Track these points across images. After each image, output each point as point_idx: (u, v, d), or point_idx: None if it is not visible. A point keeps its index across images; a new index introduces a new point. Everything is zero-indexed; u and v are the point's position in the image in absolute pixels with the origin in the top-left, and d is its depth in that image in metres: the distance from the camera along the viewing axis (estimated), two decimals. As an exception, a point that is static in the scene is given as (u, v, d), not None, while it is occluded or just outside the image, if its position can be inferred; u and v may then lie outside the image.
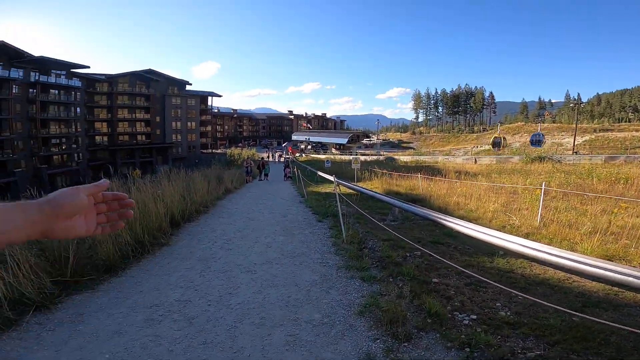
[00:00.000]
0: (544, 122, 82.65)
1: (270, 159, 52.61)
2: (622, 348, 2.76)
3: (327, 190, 15.60)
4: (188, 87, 70.20)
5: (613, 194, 11.41)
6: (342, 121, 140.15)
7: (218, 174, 16.51)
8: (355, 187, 12.12)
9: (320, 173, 21.52)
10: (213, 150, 73.81)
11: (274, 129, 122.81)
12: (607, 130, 64.02)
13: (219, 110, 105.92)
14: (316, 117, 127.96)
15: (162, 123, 64.77)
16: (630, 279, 3.60)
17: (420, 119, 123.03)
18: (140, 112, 61.73)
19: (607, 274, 3.92)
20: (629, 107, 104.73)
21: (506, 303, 3.64)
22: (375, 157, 48.92)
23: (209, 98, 77.33)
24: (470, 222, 6.67)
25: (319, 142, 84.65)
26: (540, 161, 32.28)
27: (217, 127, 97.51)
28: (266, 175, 22.73)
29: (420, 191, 14.42)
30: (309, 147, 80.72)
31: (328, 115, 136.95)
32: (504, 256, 5.26)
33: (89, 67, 52.53)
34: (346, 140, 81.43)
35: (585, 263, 4.11)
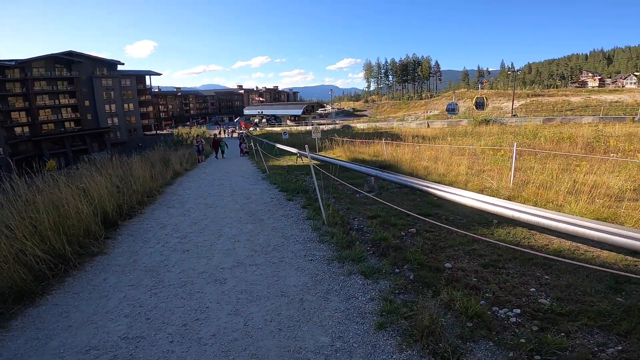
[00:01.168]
0: (483, 89, 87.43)
1: (224, 135, 49.65)
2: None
3: (289, 163, 14.60)
4: (121, 67, 63.80)
5: (563, 151, 11.87)
6: (295, 93, 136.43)
7: (163, 156, 14.61)
8: (322, 157, 11.22)
9: (278, 145, 20.37)
10: (158, 132, 68.20)
11: (224, 105, 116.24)
12: (539, 95, 69.09)
13: (160, 89, 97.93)
14: (268, 90, 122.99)
15: (92, 107, 58.26)
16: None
17: (372, 88, 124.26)
18: (64, 97, 55.13)
19: (617, 239, 3.55)
20: (557, 74, 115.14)
21: (538, 286, 3.11)
22: (332, 126, 48.23)
23: (147, 77, 71.05)
24: (450, 187, 6.20)
25: (272, 115, 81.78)
26: (487, 123, 33.95)
27: (161, 107, 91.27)
28: (223, 152, 21.05)
29: (385, 157, 13.98)
30: (263, 120, 77.67)
31: (280, 88, 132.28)
32: (500, 225, 4.81)
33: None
34: (301, 111, 79.53)
35: (591, 228, 3.69)
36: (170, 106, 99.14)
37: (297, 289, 3.29)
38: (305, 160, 14.49)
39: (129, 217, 6.27)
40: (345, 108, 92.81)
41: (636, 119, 27.81)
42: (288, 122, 74.80)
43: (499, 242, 3.54)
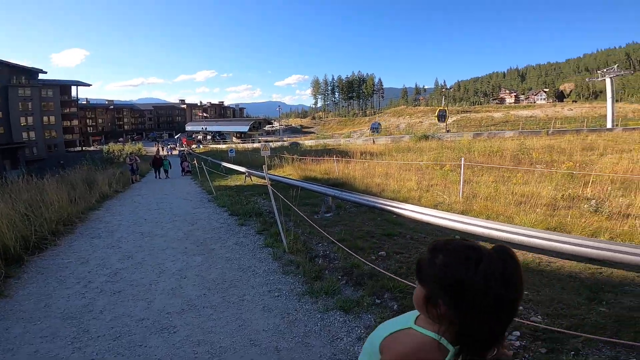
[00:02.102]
0: (419, 106, 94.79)
1: (163, 152, 46.29)
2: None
3: (238, 183, 13.75)
4: (43, 76, 57.43)
5: (496, 164, 12.88)
6: (241, 109, 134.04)
7: (87, 175, 12.78)
8: (277, 177, 10.65)
9: (225, 164, 19.27)
10: (84, 148, 61.63)
11: (164, 120, 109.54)
12: (467, 112, 76.66)
13: (88, 101, 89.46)
14: (213, 105, 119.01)
15: (5, 119, 50.64)
16: (610, 253, 3.31)
17: (319, 105, 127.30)
18: None
19: (580, 250, 3.60)
20: (480, 92, 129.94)
21: (523, 303, 2.96)
22: (280, 143, 47.82)
23: (74, 88, 64.76)
24: (410, 205, 6.13)
25: (217, 132, 78.87)
26: (426, 139, 36.37)
27: (89, 121, 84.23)
28: (166, 172, 18.93)
29: (337, 174, 13.87)
30: (209, 137, 74.51)
31: (226, 104, 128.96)
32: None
33: None
34: (247, 127, 77.93)
35: (554, 240, 3.74)
36: (100, 120, 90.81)
37: (269, 335, 2.75)
38: (255, 180, 13.79)
39: (39, 250, 5.12)
40: (293, 125, 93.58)
41: (550, 132, 31.87)
42: (234, 139, 72.72)
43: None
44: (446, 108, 57.48)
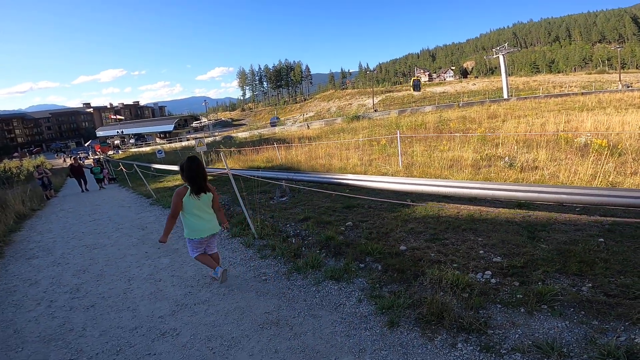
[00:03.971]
0: (347, 89, 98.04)
1: (67, 162, 40.71)
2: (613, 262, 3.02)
3: (177, 183, 12.96)
4: None
5: (424, 135, 14.25)
6: (161, 107, 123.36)
7: (-6, 197, 10.87)
8: (233, 171, 10.35)
9: (155, 166, 17.87)
10: (-32, 169, 51.02)
11: (67, 127, 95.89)
12: (390, 91, 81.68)
13: (-40, 111, 73.75)
14: (127, 106, 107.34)
15: None
16: (544, 195, 4.06)
17: (247, 96, 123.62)
18: None
19: (512, 194, 4.34)
20: (399, 72, 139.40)
21: (482, 247, 3.52)
22: (212, 139, 45.61)
23: None
24: (364, 175, 6.57)
25: (137, 134, 71.84)
26: (358, 119, 38.11)
27: None
28: (100, 181, 16.27)
29: (280, 161, 13.94)
30: (131, 140, 67.48)
31: (142, 103, 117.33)
32: (416, 203, 5.29)
33: None
34: (172, 126, 72.44)
35: (491, 188, 4.46)
36: (-17, 135, 75.94)
37: (274, 316, 2.83)
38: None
39: None
40: (223, 118, 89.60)
41: (460, 105, 35.73)
42: (157, 140, 67.10)
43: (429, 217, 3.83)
44: (419, 77, 60.97)
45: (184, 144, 47.04)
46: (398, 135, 9.38)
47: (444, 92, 68.63)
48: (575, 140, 8.65)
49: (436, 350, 2.21)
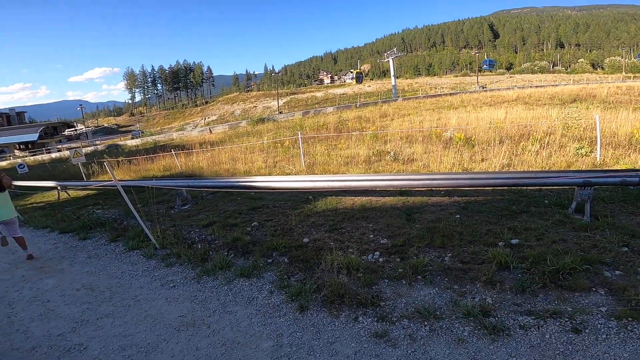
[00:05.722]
0: (252, 91, 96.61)
1: None
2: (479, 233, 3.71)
3: (48, 200, 10.89)
4: None
5: (324, 135, 15.14)
6: (20, 113, 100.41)
7: None
8: (125, 182, 9.14)
9: (17, 183, 14.57)
10: None
11: None
12: (295, 93, 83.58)
13: None
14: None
15: None
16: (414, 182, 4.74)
17: (137, 99, 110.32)
18: None
19: (395, 183, 4.99)
20: (304, 74, 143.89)
21: (372, 232, 3.95)
22: (92, 148, 39.45)
23: None
24: (267, 176, 6.62)
25: (-14, 147, 57.17)
26: (263, 122, 37.95)
27: None
28: None
29: (179, 169, 12.96)
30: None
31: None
32: (316, 199, 5.58)
33: None
34: (37, 135, 59.74)
35: (377, 179, 5.04)
36: None
37: (188, 318, 2.80)
38: (74, 193, 11.17)
39: None
40: (106, 125, 78.14)
41: (357, 105, 38.86)
42: (16, 152, 54.81)
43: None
44: (361, 70, 62.44)
45: (53, 155, 39.36)
46: (299, 136, 9.74)
47: (343, 94, 73.61)
48: (443, 134, 10.37)
49: (342, 326, 2.49)
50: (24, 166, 19.37)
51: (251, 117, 45.63)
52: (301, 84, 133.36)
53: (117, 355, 2.46)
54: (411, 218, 4.32)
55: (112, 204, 8.02)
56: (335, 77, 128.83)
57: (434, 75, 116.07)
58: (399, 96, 48.90)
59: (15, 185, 13.72)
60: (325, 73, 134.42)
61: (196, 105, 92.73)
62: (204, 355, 2.35)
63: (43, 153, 44.72)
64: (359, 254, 3.44)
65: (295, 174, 8.36)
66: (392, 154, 8.56)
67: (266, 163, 10.65)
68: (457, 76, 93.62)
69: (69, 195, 10.98)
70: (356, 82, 67.30)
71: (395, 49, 54.46)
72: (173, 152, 14.14)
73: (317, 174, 8.09)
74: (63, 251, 4.90)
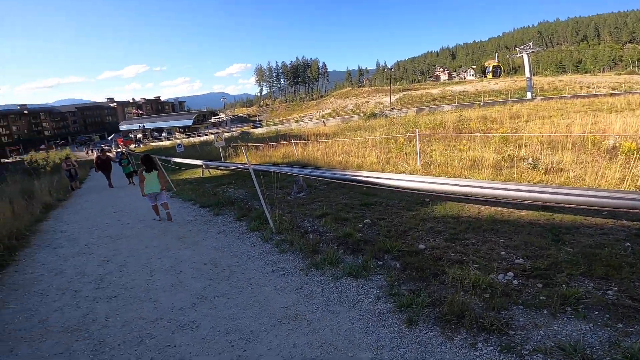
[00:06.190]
0: (364, 87, 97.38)
1: (91, 155, 42.11)
2: None
3: (195, 176, 13.26)
4: None
5: (444, 134, 14.01)
6: (181, 103, 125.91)
7: (23, 187, 11.44)
8: (256, 166, 10.52)
9: (175, 159, 18.30)
10: (1, 160, 53.82)
11: (91, 121, 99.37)
12: (408, 90, 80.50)
13: (-7, 106, 78.10)
14: (148, 101, 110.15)
15: None
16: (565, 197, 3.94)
17: (264, 92, 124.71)
18: None
19: (538, 196, 4.23)
20: (418, 70, 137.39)
21: (503, 249, 3.48)
22: (229, 134, 46.27)
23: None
24: (381, 173, 6.52)
25: (157, 128, 73.83)
26: (375, 117, 37.82)
27: (1, 129, 72.82)
28: (130, 175, 13.92)
29: (296, 157, 14.01)
30: (155, 133, 69.57)
31: (163, 99, 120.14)
32: (434, 202, 5.23)
33: None
34: (191, 121, 74.04)
35: (514, 189, 4.33)
36: (14, 128, 79.83)
37: (292, 310, 2.85)
38: (214, 172, 13.37)
39: (0, 267, 4.63)
40: (240, 114, 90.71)
41: (481, 104, 34.86)
42: (177, 134, 68.68)
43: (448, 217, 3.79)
44: (500, 63, 61.79)
45: (202, 138, 47.94)
46: (417, 133, 9.25)
47: (464, 91, 67.06)
48: (602, 142, 8.31)
49: (455, 350, 2.20)
50: (181, 146, 24.16)
51: (363, 112, 46.03)
52: (414, 80, 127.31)
53: (221, 339, 2.57)
54: (559, 239, 3.57)
55: (241, 185, 9.24)
56: (454, 74, 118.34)
57: (586, 72, 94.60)
58: (535, 95, 41.68)
59: (176, 162, 17.24)
60: (441, 69, 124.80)
61: (312, 99, 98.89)
62: (299, 354, 2.33)
63: (195, 136, 55.00)
64: (485, 272, 3.02)
65: (410, 173, 8.00)
66: (529, 160, 7.31)
67: (379, 159, 10.53)
68: (619, 74, 74.36)
69: (210, 173, 13.17)
70: (492, 76, 60.15)
71: (531, 43, 46.42)
72: (292, 141, 15.38)
73: (435, 175, 7.55)
74: (200, 224, 5.78)
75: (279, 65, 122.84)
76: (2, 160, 53.74)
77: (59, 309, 3.34)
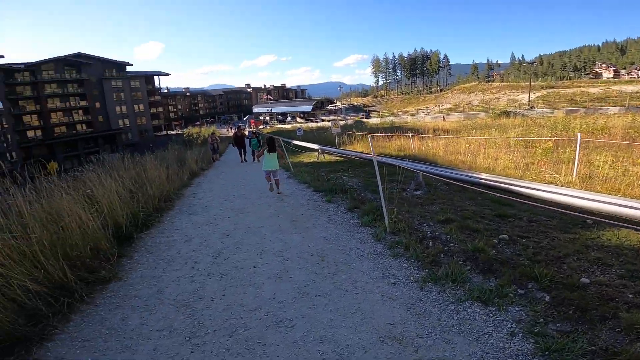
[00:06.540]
0: (493, 82, 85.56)
1: (231, 132, 49.06)
2: None
3: (311, 160, 13.87)
4: (130, 69, 63.68)
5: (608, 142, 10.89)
6: (302, 90, 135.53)
7: (178, 155, 14.02)
8: (381, 157, 10.37)
9: (295, 142, 19.57)
10: (168, 132, 68.55)
11: (233, 104, 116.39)
12: (554, 87, 66.93)
13: (169, 90, 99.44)
14: (275, 88, 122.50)
15: (103, 109, 58.60)
16: None
17: (380, 83, 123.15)
18: (74, 99, 55.29)
19: None
20: (569, 66, 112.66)
21: None
22: (343, 122, 47.43)
23: (156, 78, 71.77)
24: (526, 181, 5.36)
25: (282, 112, 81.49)
26: (507, 116, 32.78)
27: (170, 107, 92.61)
28: (253, 152, 14.82)
29: (412, 151, 13.15)
30: (280, 117, 77.71)
31: (287, 86, 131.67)
32: (600, 226, 3.99)
33: (2, 56, 44.82)
34: (311, 107, 78.90)
35: None
36: (179, 106, 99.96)
37: (398, 330, 2.45)
38: (328, 157, 13.73)
39: (146, 227, 5.26)
40: (355, 104, 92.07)
41: (671, 106, 26.25)
42: (298, 119, 74.31)
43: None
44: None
45: (319, 124, 50.54)
46: (578, 138, 7.37)
47: (637, 92, 51.69)
48: None
49: None
50: (301, 130, 25.88)
51: (492, 109, 40.45)
52: (563, 76, 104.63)
53: (313, 347, 2.32)
54: None
55: (355, 173, 9.10)
56: (622, 71, 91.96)
57: None
58: None
59: (295, 145, 18.48)
60: (604, 65, 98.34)
61: (430, 93, 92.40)
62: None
63: (312, 121, 58.52)
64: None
65: (563, 185, 6.39)
66: None
67: (514, 163, 8.88)
68: None
69: (325, 158, 13.56)
70: None
71: None
72: (410, 134, 14.50)
73: (600, 191, 5.82)
74: (312, 209, 5.77)
75: (396, 57, 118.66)
76: (169, 132, 68.15)
77: (177, 280, 3.50)
